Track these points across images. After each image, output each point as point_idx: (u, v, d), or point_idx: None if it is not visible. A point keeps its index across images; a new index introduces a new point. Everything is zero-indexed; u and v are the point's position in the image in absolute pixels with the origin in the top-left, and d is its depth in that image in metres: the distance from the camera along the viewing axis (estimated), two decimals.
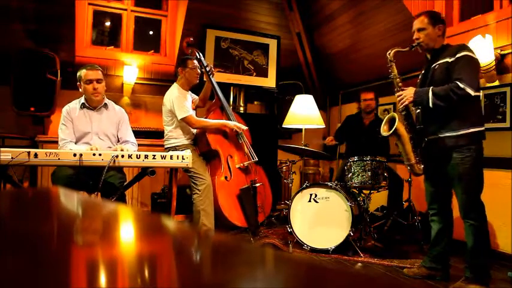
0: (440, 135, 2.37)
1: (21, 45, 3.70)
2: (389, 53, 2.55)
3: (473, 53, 2.34)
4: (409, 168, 2.53)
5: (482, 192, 2.36)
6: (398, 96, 2.45)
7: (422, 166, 2.46)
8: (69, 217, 0.72)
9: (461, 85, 2.19)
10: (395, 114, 2.43)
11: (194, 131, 3.38)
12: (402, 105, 2.43)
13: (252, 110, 5.00)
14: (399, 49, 2.51)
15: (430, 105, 2.28)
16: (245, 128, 3.48)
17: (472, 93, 2.21)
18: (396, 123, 2.37)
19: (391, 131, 2.40)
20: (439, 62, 2.40)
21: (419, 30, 2.46)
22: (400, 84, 2.50)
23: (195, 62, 3.37)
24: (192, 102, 3.45)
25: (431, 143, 2.43)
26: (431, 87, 2.31)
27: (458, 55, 2.29)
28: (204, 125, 3.29)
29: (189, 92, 3.45)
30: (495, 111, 3.12)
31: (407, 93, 2.39)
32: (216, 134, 3.35)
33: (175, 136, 3.31)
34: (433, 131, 2.41)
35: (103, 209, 0.79)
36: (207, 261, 0.47)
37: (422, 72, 2.58)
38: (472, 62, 2.30)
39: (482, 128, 2.34)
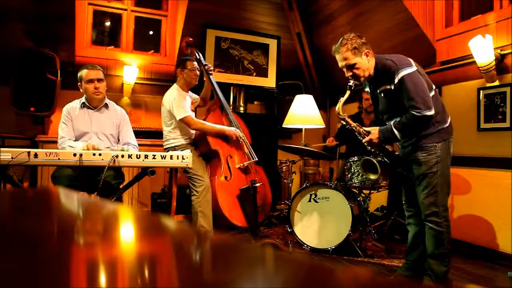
0: (410, 140, 2.32)
1: (21, 45, 3.70)
2: (338, 111, 2.40)
3: (404, 65, 2.18)
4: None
5: (449, 194, 2.28)
6: (366, 142, 2.36)
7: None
8: (69, 217, 0.72)
9: (417, 114, 2.13)
10: (372, 159, 2.38)
11: (193, 131, 3.37)
12: (374, 149, 2.39)
13: (252, 110, 5.00)
14: (343, 100, 2.38)
15: (399, 138, 2.24)
16: (242, 134, 3.45)
17: (432, 113, 2.14)
18: (379, 168, 2.35)
19: (378, 175, 2.41)
20: (381, 89, 2.32)
21: (350, 67, 2.29)
22: (361, 130, 2.39)
23: (195, 63, 3.36)
24: (192, 103, 3.44)
25: (404, 147, 2.41)
26: (392, 124, 2.24)
27: (396, 79, 2.18)
28: (202, 127, 3.27)
29: (189, 92, 3.44)
30: (495, 111, 3.12)
31: (373, 138, 2.32)
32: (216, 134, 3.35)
33: (173, 136, 3.31)
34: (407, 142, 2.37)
35: (103, 209, 0.79)
36: (207, 261, 0.47)
37: (369, 91, 2.50)
38: (413, 80, 2.16)
39: (447, 124, 2.28)
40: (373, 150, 2.41)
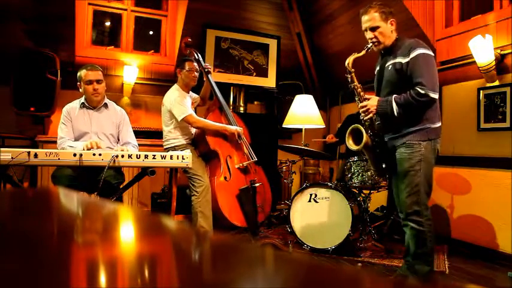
0: (396, 134, 2.31)
1: (21, 45, 3.70)
2: (347, 63, 2.37)
3: (426, 47, 2.23)
4: (376, 173, 2.51)
5: (430, 194, 2.26)
6: (362, 107, 2.33)
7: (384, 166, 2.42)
8: (69, 217, 0.72)
9: (422, 91, 2.12)
10: (360, 127, 2.32)
11: (193, 131, 3.37)
12: (367, 117, 2.33)
13: (252, 110, 5.00)
14: (356, 55, 2.36)
15: (396, 114, 2.20)
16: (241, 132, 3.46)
17: (435, 96, 2.15)
18: (364, 138, 2.26)
19: (360, 146, 2.30)
20: (392, 62, 2.30)
21: (372, 29, 2.32)
22: (362, 93, 2.37)
23: (195, 64, 3.35)
24: (193, 103, 3.44)
25: (390, 143, 2.38)
26: (393, 97, 2.22)
27: (412, 55, 2.19)
28: (204, 125, 3.28)
29: (190, 92, 3.44)
30: (495, 111, 3.12)
31: (371, 104, 2.28)
32: (215, 134, 3.35)
33: (174, 136, 3.31)
34: (391, 132, 2.34)
35: (103, 209, 0.79)
36: (207, 261, 0.47)
37: (377, 69, 2.48)
38: (428, 61, 2.19)
39: (436, 125, 2.25)
40: (364, 119, 2.35)
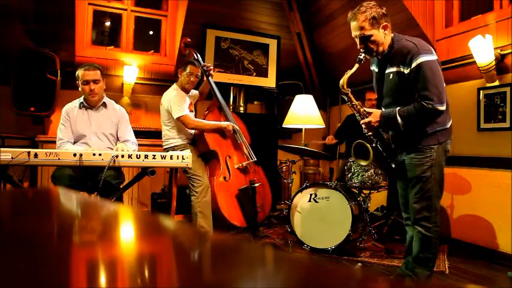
0: (405, 137, 2.20)
1: (21, 45, 3.70)
2: (342, 85, 2.20)
3: (427, 51, 2.04)
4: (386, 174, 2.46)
5: (440, 199, 2.20)
6: (364, 123, 2.21)
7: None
8: (69, 217, 0.72)
9: (429, 106, 2.00)
10: (365, 143, 2.23)
11: (192, 131, 3.37)
12: (371, 133, 2.22)
13: (252, 110, 5.00)
14: (350, 73, 2.19)
15: (401, 128, 2.09)
16: (238, 128, 3.46)
17: (443, 108, 2.02)
18: (371, 153, 2.19)
19: (369, 161, 2.23)
20: (393, 70, 2.15)
21: (364, 39, 2.11)
22: (362, 110, 2.22)
23: (199, 70, 3.33)
24: (191, 103, 3.43)
25: (399, 145, 2.28)
26: (397, 110, 2.09)
27: (414, 64, 2.02)
28: (199, 126, 3.27)
29: (191, 92, 3.44)
30: (495, 111, 3.12)
31: (374, 120, 2.17)
32: (214, 134, 3.35)
33: (172, 136, 3.30)
34: (399, 135, 2.24)
35: (103, 209, 0.79)
36: (207, 261, 0.47)
37: (376, 71, 2.32)
38: (433, 69, 2.02)
39: (447, 126, 2.16)
40: (368, 133, 2.24)
